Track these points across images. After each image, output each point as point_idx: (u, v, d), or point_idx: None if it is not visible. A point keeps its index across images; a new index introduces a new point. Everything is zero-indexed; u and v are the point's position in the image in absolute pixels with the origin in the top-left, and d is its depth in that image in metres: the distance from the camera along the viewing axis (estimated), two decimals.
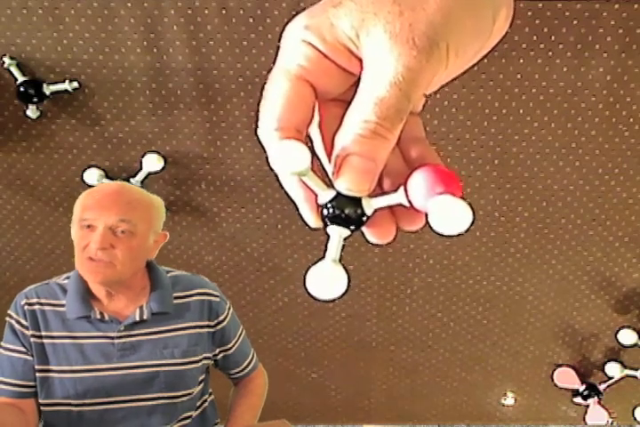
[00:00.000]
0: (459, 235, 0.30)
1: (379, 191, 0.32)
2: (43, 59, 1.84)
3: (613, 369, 2.26)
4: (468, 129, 1.92)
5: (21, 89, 1.80)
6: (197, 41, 1.80)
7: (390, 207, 0.32)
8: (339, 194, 0.30)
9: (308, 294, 0.30)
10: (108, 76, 1.87)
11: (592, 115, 1.87)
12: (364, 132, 0.28)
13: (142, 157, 1.94)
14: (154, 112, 1.92)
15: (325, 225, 0.32)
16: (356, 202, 0.30)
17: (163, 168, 1.96)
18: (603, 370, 2.30)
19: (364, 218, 0.31)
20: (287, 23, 0.30)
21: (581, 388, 2.29)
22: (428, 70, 0.28)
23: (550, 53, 1.78)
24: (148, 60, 1.84)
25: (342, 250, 0.31)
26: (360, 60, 0.30)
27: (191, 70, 1.85)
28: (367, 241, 0.33)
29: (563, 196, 2.02)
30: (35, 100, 1.82)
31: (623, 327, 2.24)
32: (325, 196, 0.31)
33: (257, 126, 0.31)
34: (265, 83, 0.31)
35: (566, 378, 2.33)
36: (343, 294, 0.30)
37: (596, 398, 2.27)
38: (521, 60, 1.80)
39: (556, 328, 2.30)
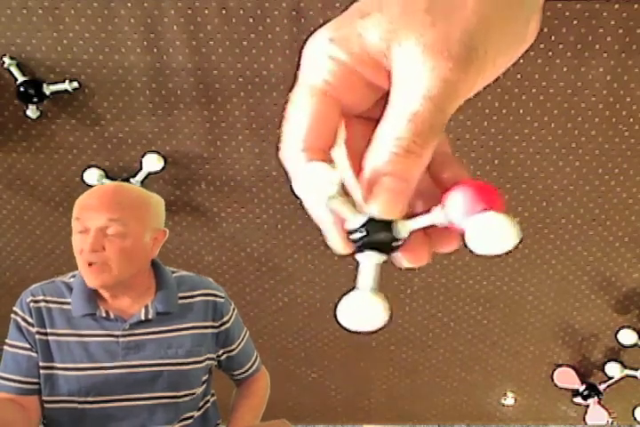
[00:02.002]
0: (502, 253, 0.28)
1: (408, 212, 0.30)
2: (43, 59, 1.84)
3: (613, 369, 2.26)
4: (468, 129, 1.92)
5: (21, 89, 1.80)
6: (197, 41, 1.80)
7: (424, 229, 0.30)
8: (370, 218, 0.28)
9: (343, 328, 0.28)
10: (108, 76, 1.87)
11: (592, 115, 1.87)
12: (397, 150, 0.27)
13: (142, 157, 1.94)
14: (154, 112, 1.92)
15: (355, 252, 0.29)
16: (389, 225, 0.28)
17: (163, 168, 1.96)
18: (603, 370, 2.30)
19: (400, 242, 0.29)
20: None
21: (581, 388, 2.29)
22: (465, 82, 0.26)
23: (550, 53, 1.78)
24: (148, 60, 1.84)
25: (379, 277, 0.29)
26: (388, 74, 0.28)
27: (191, 70, 1.85)
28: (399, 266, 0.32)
29: (563, 196, 2.02)
30: (35, 100, 1.82)
31: (623, 327, 2.24)
32: (356, 221, 0.29)
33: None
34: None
35: (566, 378, 2.33)
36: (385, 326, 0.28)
37: (595, 398, 2.27)
38: (521, 60, 1.80)
39: (556, 328, 2.30)
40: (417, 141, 0.27)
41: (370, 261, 0.29)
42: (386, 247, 0.29)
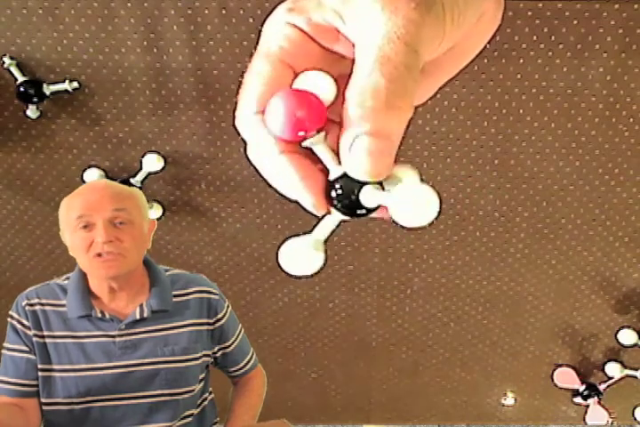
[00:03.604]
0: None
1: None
2: (43, 59, 1.84)
3: (613, 369, 2.26)
4: (468, 129, 1.92)
5: (21, 89, 1.80)
6: (197, 41, 1.80)
7: None
8: (345, 174, 0.26)
9: (279, 266, 0.28)
10: (108, 76, 1.87)
11: (592, 115, 1.87)
12: (373, 103, 0.24)
13: (142, 157, 1.94)
14: (154, 112, 1.92)
15: (331, 205, 0.28)
16: (361, 189, 0.27)
17: (163, 168, 1.96)
18: (603, 370, 2.30)
19: (364, 211, 0.27)
20: None
21: (581, 388, 2.29)
22: (429, 25, 0.24)
23: (550, 53, 1.78)
24: (148, 60, 1.84)
25: (332, 233, 0.29)
26: (347, 38, 0.27)
27: (191, 70, 1.85)
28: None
29: (563, 196, 2.02)
30: (35, 100, 1.82)
31: (623, 327, 2.24)
32: (335, 172, 0.27)
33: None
34: None
35: (566, 378, 2.33)
36: (314, 275, 0.28)
37: (595, 398, 2.27)
38: (521, 60, 1.80)
39: (556, 328, 2.30)
40: (394, 89, 0.24)
41: (334, 217, 0.28)
42: (352, 211, 0.27)
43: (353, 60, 0.26)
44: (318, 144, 0.27)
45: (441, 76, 0.30)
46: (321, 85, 0.27)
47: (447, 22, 0.25)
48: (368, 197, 0.26)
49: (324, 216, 0.29)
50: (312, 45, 0.28)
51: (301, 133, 0.25)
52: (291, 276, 0.28)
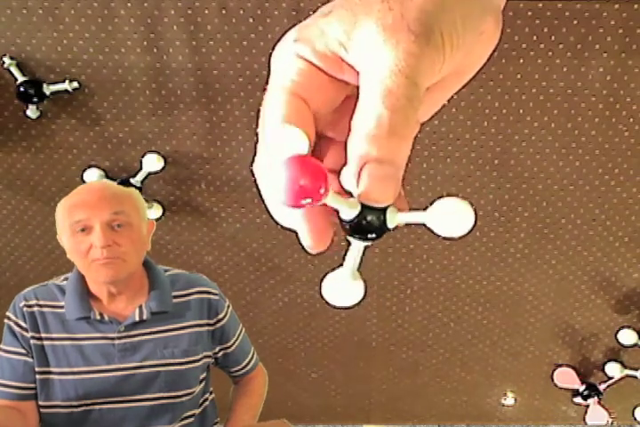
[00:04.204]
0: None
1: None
2: (43, 59, 1.84)
3: (613, 369, 2.26)
4: (468, 129, 1.92)
5: (21, 89, 1.80)
6: (197, 41, 1.80)
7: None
8: (363, 206, 0.28)
9: (326, 302, 0.30)
10: (108, 76, 1.87)
11: (592, 115, 1.87)
12: (378, 132, 0.26)
13: (142, 157, 1.94)
14: (154, 112, 1.92)
15: (348, 234, 0.30)
16: (381, 213, 0.28)
17: (163, 168, 1.96)
18: (603, 370, 2.30)
19: (386, 231, 0.29)
20: (287, 23, 0.30)
21: (581, 388, 2.29)
22: (428, 56, 0.26)
23: (550, 53, 1.78)
24: (148, 60, 1.84)
25: (362, 260, 0.30)
26: (351, 69, 0.28)
27: (191, 70, 1.85)
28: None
29: (563, 196, 2.01)
30: (35, 100, 1.82)
31: (623, 327, 2.24)
32: (350, 213, 0.29)
33: (257, 126, 0.30)
34: (265, 83, 0.30)
35: (566, 378, 2.33)
36: (360, 302, 0.29)
37: (595, 398, 2.26)
38: (521, 60, 1.80)
39: (556, 328, 2.30)
40: (396, 119, 0.26)
41: (357, 244, 0.30)
42: (373, 233, 0.29)
43: (357, 87, 0.28)
44: (326, 200, 0.28)
45: (444, 94, 0.32)
46: (295, 141, 0.27)
47: (447, 49, 0.27)
48: (392, 219, 0.28)
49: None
50: (320, 75, 0.29)
51: (306, 201, 0.26)
52: (335, 307, 0.30)
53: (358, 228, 0.29)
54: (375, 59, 0.26)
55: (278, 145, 0.27)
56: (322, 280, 0.30)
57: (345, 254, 0.30)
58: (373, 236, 0.29)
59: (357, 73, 0.28)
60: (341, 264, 0.30)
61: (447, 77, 0.30)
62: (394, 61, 0.26)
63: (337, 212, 0.29)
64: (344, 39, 0.27)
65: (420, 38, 0.26)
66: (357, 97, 0.28)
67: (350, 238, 0.30)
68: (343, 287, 0.29)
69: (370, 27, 0.26)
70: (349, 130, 0.28)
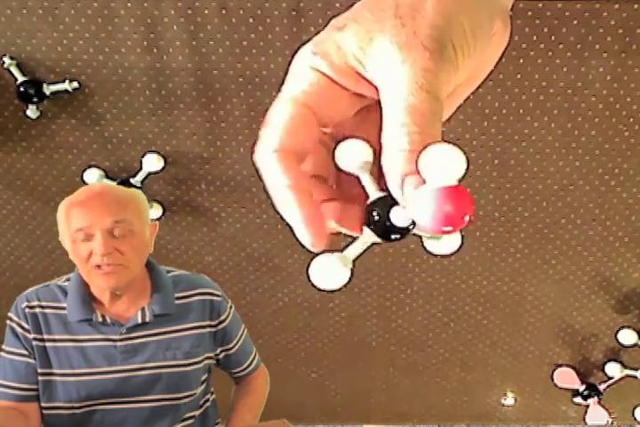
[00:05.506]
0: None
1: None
2: (43, 59, 1.84)
3: (613, 369, 2.26)
4: (468, 129, 1.92)
5: (21, 89, 1.80)
6: (197, 41, 1.80)
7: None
8: (391, 199, 0.29)
9: (308, 279, 0.30)
10: (108, 76, 1.87)
11: (592, 115, 1.87)
12: (409, 147, 0.27)
13: (142, 157, 1.94)
14: (154, 112, 1.92)
15: (367, 226, 0.31)
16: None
17: (163, 168, 1.96)
18: (603, 370, 2.30)
19: (404, 233, 0.30)
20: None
21: (581, 388, 2.29)
22: (444, 69, 0.28)
23: (550, 53, 1.78)
24: (148, 60, 1.84)
25: (363, 253, 0.31)
26: (368, 81, 0.30)
27: (191, 70, 1.85)
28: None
29: (563, 196, 2.01)
30: (35, 100, 1.82)
31: (623, 327, 2.24)
32: (373, 196, 0.30)
33: (257, 126, 0.31)
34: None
35: (566, 378, 2.33)
36: (338, 290, 0.30)
37: (595, 398, 2.26)
38: (521, 60, 1.80)
39: (556, 328, 2.30)
40: (426, 133, 0.27)
41: (367, 236, 0.31)
42: (386, 233, 0.30)
43: (376, 101, 0.30)
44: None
45: (459, 97, 0.34)
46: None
47: (459, 59, 0.29)
48: (398, 216, 0.29)
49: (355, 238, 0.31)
50: (334, 88, 0.30)
51: (448, 229, 0.26)
52: (319, 289, 0.30)
53: (388, 229, 0.30)
54: (395, 77, 0.28)
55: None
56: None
57: (347, 245, 0.31)
58: (397, 237, 0.30)
59: (375, 87, 0.29)
60: (341, 250, 0.31)
61: (461, 83, 0.32)
62: (413, 79, 0.27)
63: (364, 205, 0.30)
64: (360, 55, 0.29)
65: (434, 55, 0.27)
66: (376, 109, 0.30)
67: (368, 232, 0.30)
68: (330, 270, 0.30)
69: (385, 44, 0.28)
70: (373, 135, 0.30)
